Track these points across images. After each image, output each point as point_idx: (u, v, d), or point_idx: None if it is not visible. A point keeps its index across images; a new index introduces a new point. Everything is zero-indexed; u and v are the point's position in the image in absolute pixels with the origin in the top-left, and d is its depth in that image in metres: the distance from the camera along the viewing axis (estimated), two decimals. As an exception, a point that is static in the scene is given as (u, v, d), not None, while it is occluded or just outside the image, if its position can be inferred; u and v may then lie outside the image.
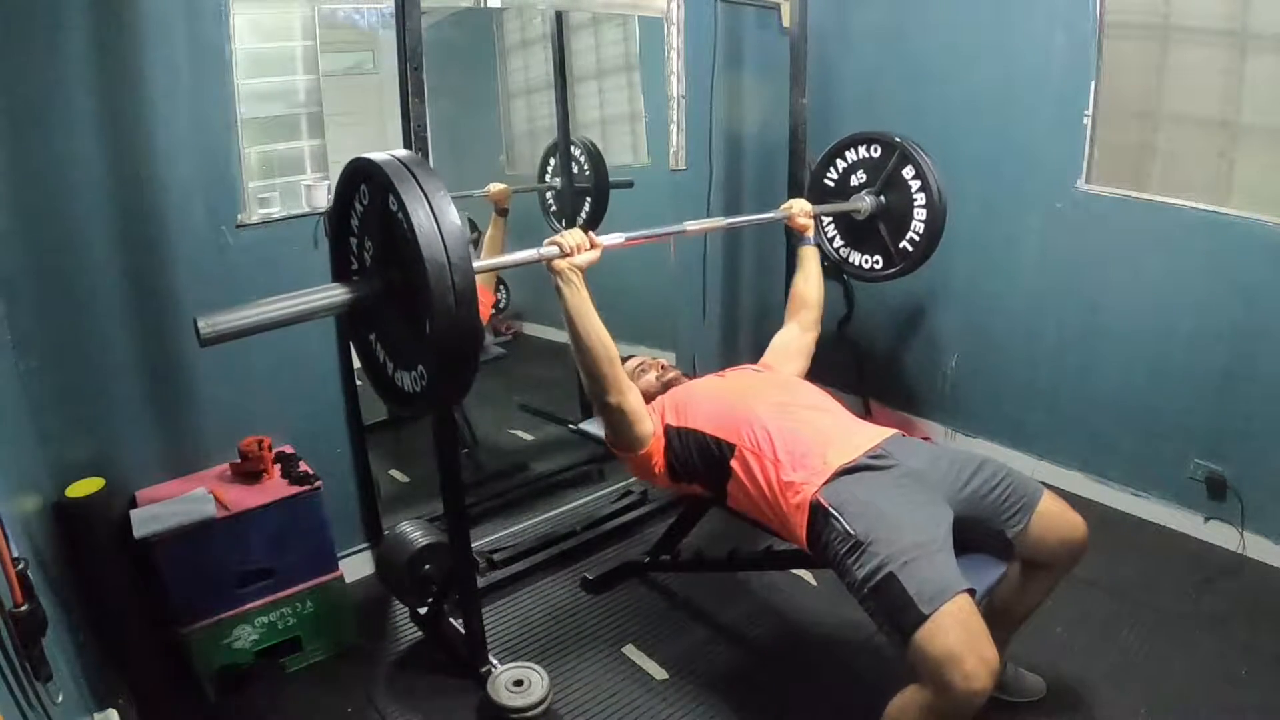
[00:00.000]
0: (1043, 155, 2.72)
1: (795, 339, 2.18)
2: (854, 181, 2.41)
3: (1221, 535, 2.52)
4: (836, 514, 1.53)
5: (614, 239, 1.73)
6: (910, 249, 2.34)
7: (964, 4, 2.83)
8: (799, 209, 2.18)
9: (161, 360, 2.05)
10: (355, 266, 1.44)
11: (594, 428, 2.33)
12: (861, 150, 2.39)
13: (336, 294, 1.34)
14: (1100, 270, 2.67)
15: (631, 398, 1.77)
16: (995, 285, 2.93)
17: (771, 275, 2.98)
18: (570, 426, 2.89)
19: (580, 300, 1.63)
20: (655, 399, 1.94)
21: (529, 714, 1.90)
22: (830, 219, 2.50)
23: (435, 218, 1.21)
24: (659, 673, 2.08)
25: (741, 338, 3.39)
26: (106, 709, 1.55)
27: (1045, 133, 2.69)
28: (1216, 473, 2.50)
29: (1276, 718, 1.87)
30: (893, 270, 2.41)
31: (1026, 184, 2.78)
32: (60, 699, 1.13)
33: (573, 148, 2.99)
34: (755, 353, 3.27)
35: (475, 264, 1.30)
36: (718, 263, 3.20)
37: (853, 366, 3.35)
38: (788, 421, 1.72)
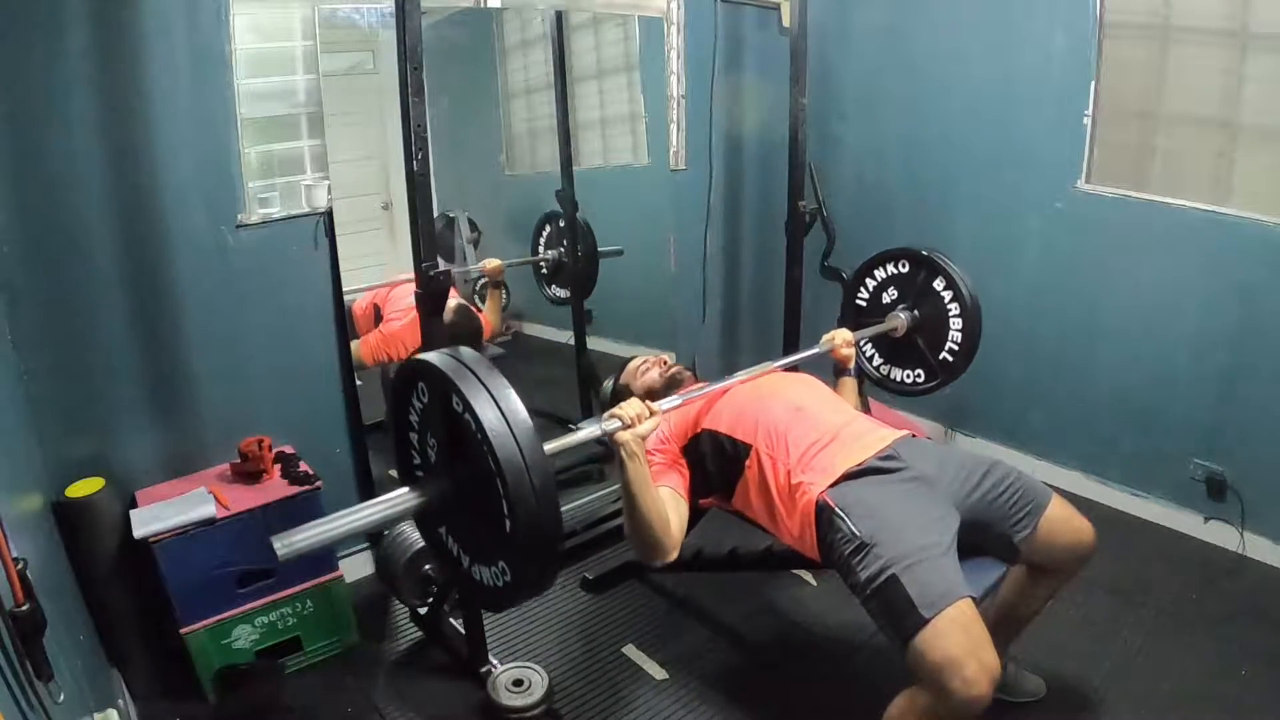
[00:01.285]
0: (1043, 155, 2.72)
1: None
2: (885, 299, 2.39)
3: (1221, 535, 2.51)
4: (842, 514, 1.53)
5: (671, 403, 1.71)
6: (950, 359, 2.29)
7: (964, 4, 2.82)
8: (841, 339, 2.09)
9: (161, 360, 2.05)
10: (419, 463, 1.43)
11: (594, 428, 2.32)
12: (889, 268, 2.37)
13: (407, 500, 1.33)
14: (1100, 270, 2.67)
15: (679, 541, 1.68)
16: (995, 285, 2.92)
17: (771, 275, 2.98)
18: (570, 426, 2.89)
19: (643, 473, 1.57)
20: (672, 423, 1.88)
21: (529, 714, 1.90)
22: (868, 341, 2.45)
23: (504, 415, 1.20)
24: (659, 673, 2.08)
25: (742, 338, 3.39)
26: (106, 709, 1.55)
27: (1045, 133, 2.69)
28: (1216, 473, 2.50)
29: (1276, 718, 1.87)
30: (935, 383, 2.35)
31: (1026, 184, 2.78)
32: (60, 699, 1.13)
33: (560, 221, 3.08)
34: (755, 353, 3.29)
35: (547, 446, 1.29)
36: (718, 263, 3.20)
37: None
38: (801, 422, 1.72)
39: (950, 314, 2.27)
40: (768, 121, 3.06)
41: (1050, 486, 1.72)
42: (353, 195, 2.45)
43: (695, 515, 2.34)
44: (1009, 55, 2.74)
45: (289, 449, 2.21)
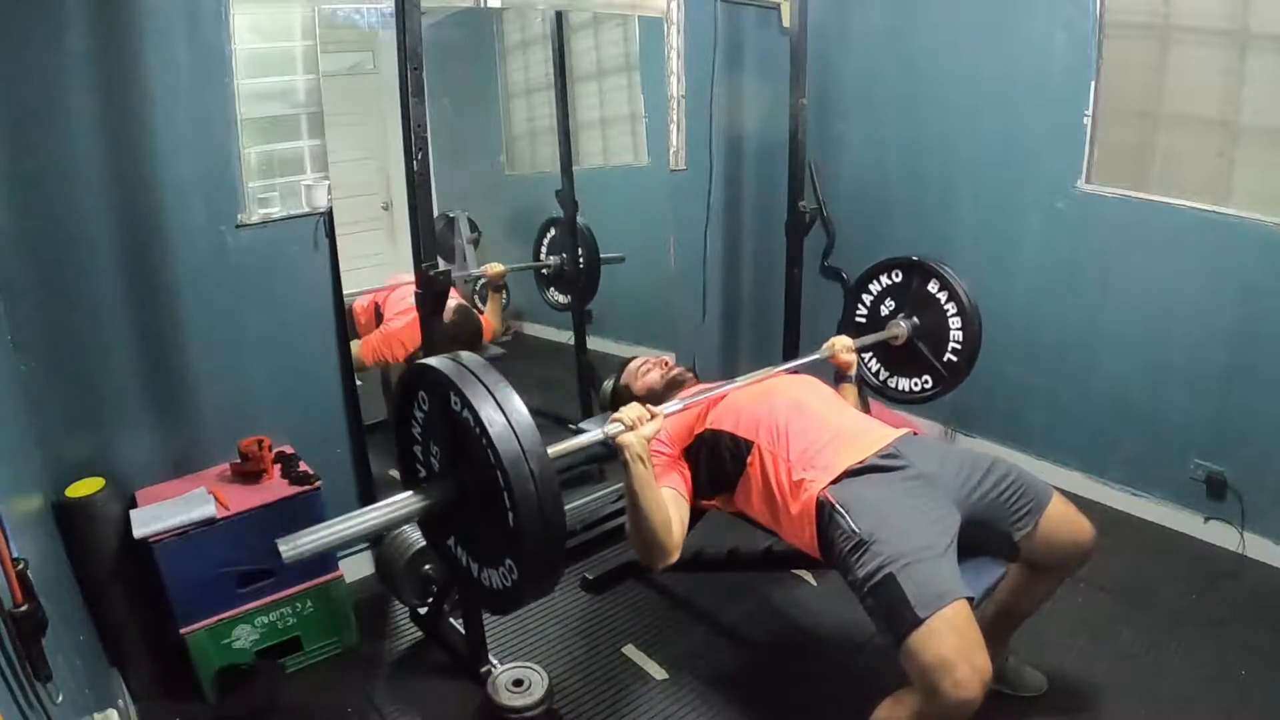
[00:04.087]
0: (1043, 155, 2.72)
1: None
2: (884, 311, 2.40)
3: (1221, 535, 2.52)
4: (843, 512, 1.53)
5: (672, 407, 1.71)
6: (955, 359, 2.29)
7: (964, 4, 2.83)
8: (841, 346, 2.10)
9: (162, 360, 2.05)
10: (424, 474, 1.44)
11: (594, 428, 2.32)
12: (884, 279, 2.38)
13: (411, 504, 1.33)
14: (1100, 270, 2.67)
15: (680, 544, 1.69)
16: (995, 285, 2.92)
17: (771, 275, 2.98)
18: (570, 426, 2.89)
19: (646, 475, 1.57)
20: (674, 424, 1.87)
21: (529, 714, 1.90)
22: (870, 352, 2.45)
23: (505, 413, 1.21)
24: (659, 673, 2.08)
25: (742, 338, 3.39)
26: (106, 709, 1.55)
27: (1045, 133, 2.69)
28: (1216, 473, 2.50)
29: (1276, 718, 1.87)
30: (941, 387, 2.34)
31: (1027, 184, 2.78)
32: (60, 699, 1.13)
33: (562, 228, 3.07)
34: (755, 353, 3.30)
35: (551, 449, 1.30)
36: (718, 263, 3.20)
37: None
38: (802, 420, 1.72)
39: (949, 314, 2.27)
40: (768, 121, 3.06)
41: (1057, 491, 1.71)
42: (353, 195, 2.44)
43: (695, 515, 2.35)
44: (1009, 55, 2.74)
45: (289, 449, 2.22)
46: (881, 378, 2.48)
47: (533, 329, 3.41)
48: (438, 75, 1.80)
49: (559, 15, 2.82)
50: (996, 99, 2.80)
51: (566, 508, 3.09)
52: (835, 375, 2.12)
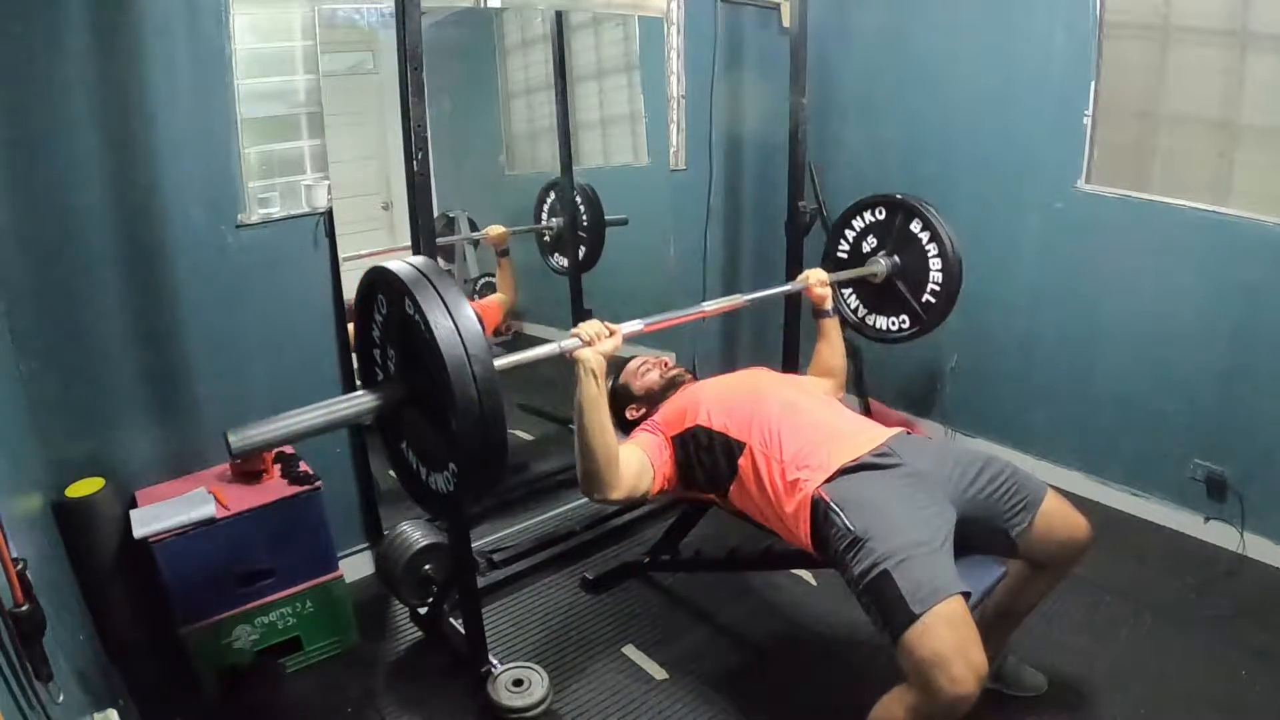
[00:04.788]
0: (1043, 155, 2.72)
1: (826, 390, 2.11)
2: (865, 248, 2.39)
3: (1221, 535, 2.51)
4: (838, 510, 1.54)
5: (633, 326, 1.72)
6: (933, 300, 2.30)
7: (964, 4, 2.82)
8: (815, 279, 2.13)
9: (162, 360, 2.05)
10: (381, 376, 1.46)
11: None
12: (867, 215, 2.38)
13: (364, 401, 1.36)
14: (1100, 270, 2.67)
15: (624, 488, 1.71)
16: (995, 285, 2.93)
17: (771, 275, 2.98)
18: (570, 426, 2.89)
19: (596, 393, 1.61)
20: (659, 409, 1.94)
21: (529, 714, 1.90)
22: (850, 289, 2.46)
23: (453, 317, 1.23)
24: (659, 673, 2.08)
25: (742, 338, 3.39)
26: (106, 709, 1.55)
27: (1045, 133, 2.69)
28: (1216, 473, 2.50)
29: (1276, 718, 1.87)
30: (918, 328, 2.35)
31: (1026, 184, 2.78)
32: (60, 699, 1.13)
33: (562, 189, 3.03)
34: (755, 353, 3.29)
35: (498, 362, 1.32)
36: (718, 263, 3.20)
37: (853, 366, 3.35)
38: (795, 420, 1.73)
39: (930, 255, 2.28)
40: (768, 121, 3.06)
41: (1050, 486, 1.72)
42: (353, 195, 2.45)
43: (695, 515, 2.36)
44: (1009, 55, 2.74)
45: (289, 449, 2.21)
46: (860, 314, 2.49)
47: (533, 329, 3.41)
48: (438, 75, 1.81)
49: (559, 15, 2.82)
50: (996, 99, 2.80)
51: (566, 508, 3.11)
52: (812, 311, 2.15)
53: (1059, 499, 1.69)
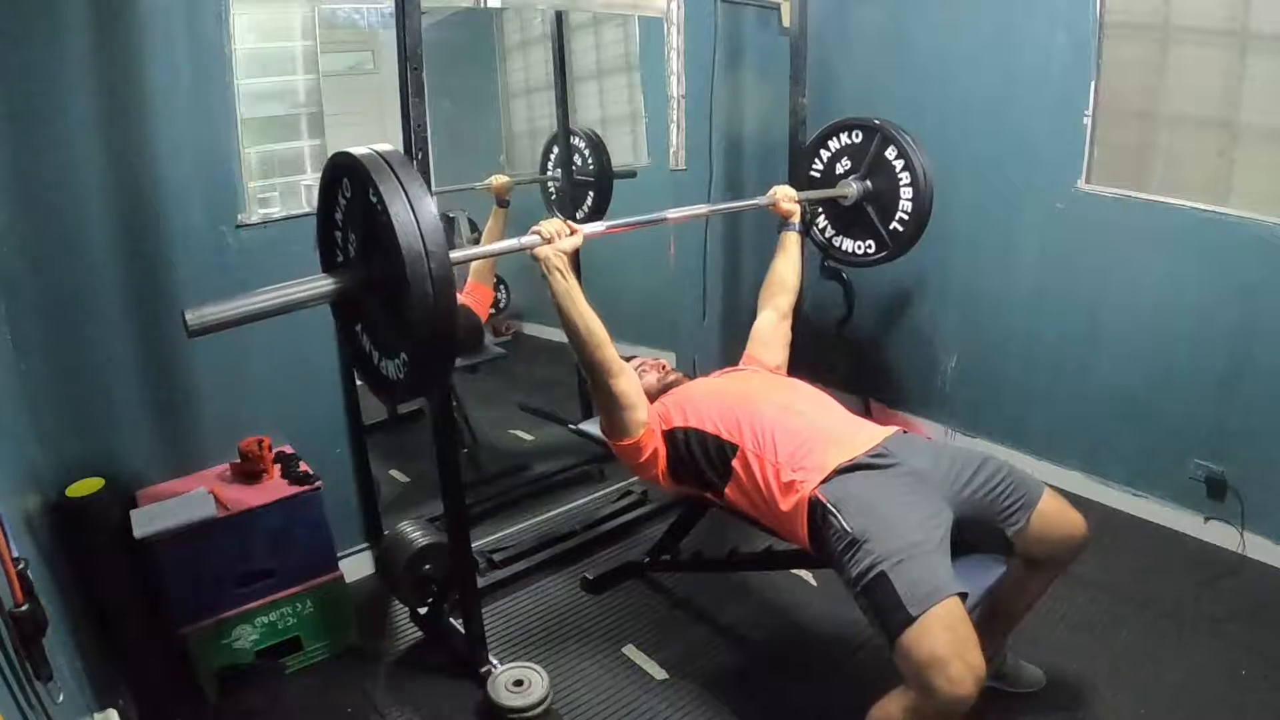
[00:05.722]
0: (1043, 155, 2.72)
1: (774, 327, 2.17)
2: (839, 170, 2.42)
3: (1221, 535, 2.52)
4: (835, 510, 1.54)
5: (594, 227, 1.75)
6: (901, 229, 2.34)
7: (964, 4, 2.82)
8: (783, 194, 2.18)
9: (162, 360, 2.05)
10: (341, 260, 1.47)
11: (593, 428, 2.33)
12: (844, 138, 2.40)
13: (322, 285, 1.38)
14: (1100, 270, 2.67)
15: (623, 381, 1.77)
16: (995, 285, 2.93)
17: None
18: (570, 426, 2.89)
19: (567, 287, 1.65)
20: (656, 401, 1.94)
21: (529, 714, 1.90)
22: (820, 209, 2.51)
23: (413, 208, 1.25)
24: (659, 673, 2.08)
25: (742, 338, 3.35)
26: (106, 709, 1.55)
27: (1045, 133, 2.69)
28: (1216, 473, 2.50)
29: (1276, 718, 1.87)
30: (884, 254, 2.40)
31: (1026, 184, 2.78)
32: (60, 699, 1.13)
33: (575, 139, 2.99)
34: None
35: (454, 254, 1.34)
36: (718, 263, 3.20)
37: (852, 366, 3.35)
38: (790, 421, 1.72)
39: (902, 183, 2.30)
40: (768, 121, 3.06)
41: (1050, 486, 1.72)
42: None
43: (695, 515, 2.36)
44: (1009, 55, 2.74)
45: (289, 449, 2.21)
46: (827, 235, 2.52)
47: (533, 329, 3.42)
48: (438, 75, 1.80)
49: (559, 15, 2.82)
50: (996, 99, 2.80)
51: (566, 508, 3.10)
52: (778, 225, 2.19)
53: (1056, 497, 1.69)
